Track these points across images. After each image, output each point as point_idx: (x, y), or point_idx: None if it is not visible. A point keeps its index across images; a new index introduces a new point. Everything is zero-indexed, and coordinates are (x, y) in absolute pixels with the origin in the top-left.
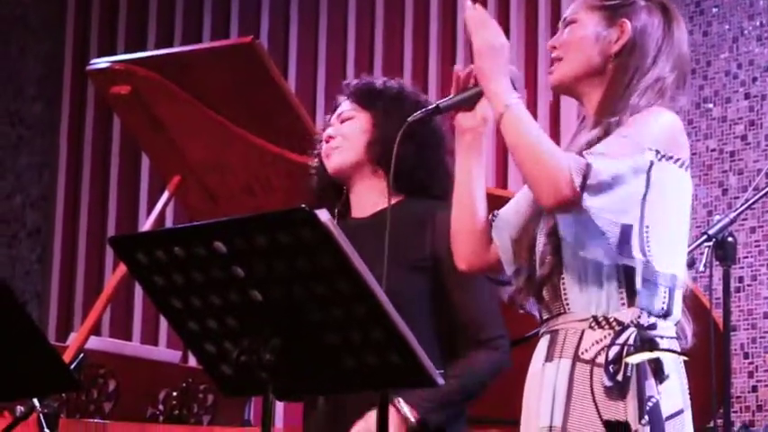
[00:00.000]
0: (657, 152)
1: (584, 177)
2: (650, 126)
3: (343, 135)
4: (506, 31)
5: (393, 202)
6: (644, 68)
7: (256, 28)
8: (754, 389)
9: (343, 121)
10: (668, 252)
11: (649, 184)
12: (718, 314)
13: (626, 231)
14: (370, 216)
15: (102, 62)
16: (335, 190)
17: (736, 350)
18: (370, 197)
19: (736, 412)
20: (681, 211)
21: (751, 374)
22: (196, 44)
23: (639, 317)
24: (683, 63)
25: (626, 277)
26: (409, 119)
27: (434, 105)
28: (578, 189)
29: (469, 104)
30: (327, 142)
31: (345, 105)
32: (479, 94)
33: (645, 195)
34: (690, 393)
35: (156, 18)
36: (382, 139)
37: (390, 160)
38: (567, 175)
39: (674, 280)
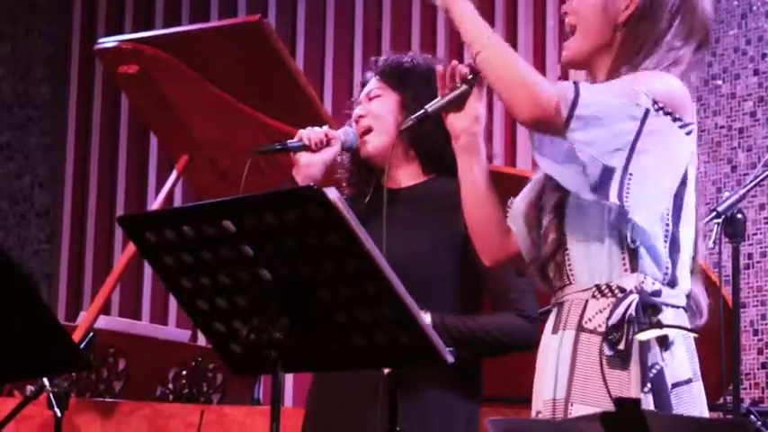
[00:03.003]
0: (655, 102)
1: (573, 105)
2: (653, 78)
3: (373, 114)
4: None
5: (423, 180)
6: (654, 38)
7: (264, 7)
8: (764, 366)
9: (371, 99)
10: (648, 208)
11: (641, 131)
12: (727, 291)
13: (607, 173)
14: (405, 188)
15: (109, 41)
16: (367, 169)
17: (745, 327)
18: (402, 174)
19: (745, 389)
20: (672, 172)
21: (761, 351)
22: (203, 23)
23: (643, 282)
24: (705, 30)
25: (629, 246)
26: (400, 127)
27: (423, 110)
28: (564, 117)
29: (458, 104)
30: (357, 122)
31: (373, 83)
32: (467, 93)
33: (634, 143)
34: (700, 371)
35: None
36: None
37: (420, 143)
38: (553, 99)
39: (651, 238)
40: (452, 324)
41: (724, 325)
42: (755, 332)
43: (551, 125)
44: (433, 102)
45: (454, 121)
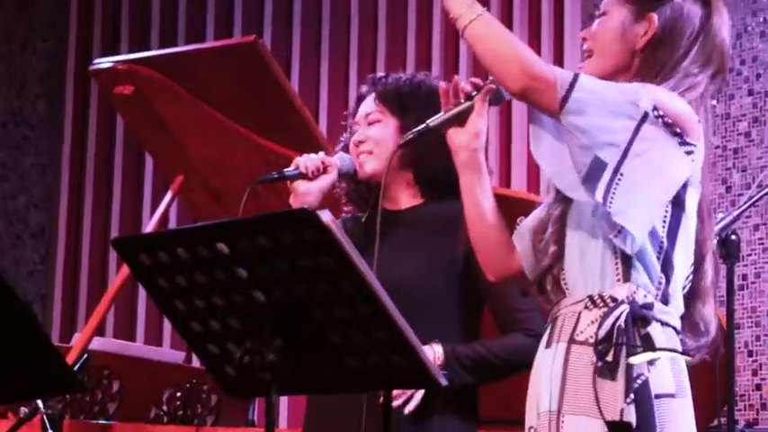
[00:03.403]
0: (656, 109)
1: (571, 87)
2: (660, 90)
3: (374, 140)
4: (537, 30)
5: (421, 202)
6: (671, 64)
7: (259, 28)
8: (758, 387)
9: (370, 124)
10: (636, 215)
11: (637, 133)
12: (721, 312)
13: (597, 166)
14: (404, 209)
15: (105, 62)
16: (368, 189)
17: (740, 348)
18: (402, 196)
19: (740, 410)
20: (663, 183)
21: (755, 372)
22: (199, 44)
23: (635, 293)
24: (722, 58)
25: (623, 256)
26: (400, 141)
27: (424, 125)
28: (560, 96)
29: (460, 120)
30: (357, 146)
31: (372, 105)
32: (469, 110)
33: (630, 143)
34: (694, 391)
35: (159, 17)
36: (413, 148)
37: (420, 165)
38: (549, 74)
39: (642, 250)
40: (463, 353)
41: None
42: (750, 353)
43: (544, 99)
44: (436, 117)
45: (455, 137)
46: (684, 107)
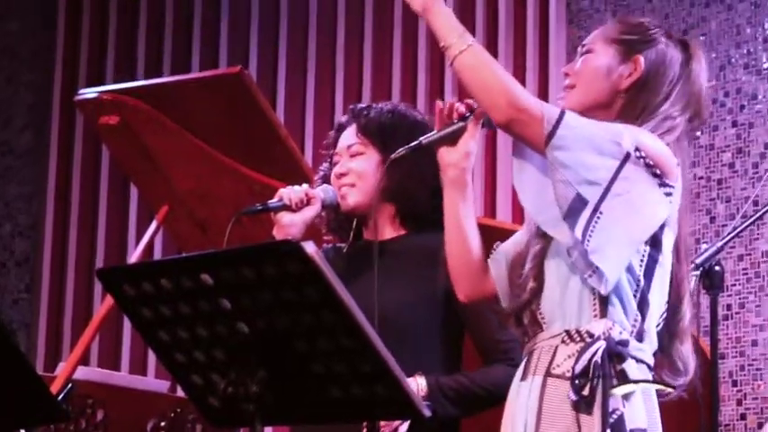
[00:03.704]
0: (638, 150)
1: (557, 123)
2: (642, 132)
3: (356, 173)
4: (522, 60)
5: (403, 233)
6: (652, 106)
7: (245, 58)
8: (743, 417)
9: (352, 156)
10: (613, 254)
11: (618, 173)
12: (705, 342)
13: (578, 203)
14: (386, 240)
15: (90, 92)
16: (348, 220)
17: (724, 378)
18: (384, 228)
19: None
20: (642, 223)
21: (740, 402)
22: (184, 74)
23: (611, 329)
24: (700, 102)
25: (600, 294)
26: (392, 156)
27: (417, 142)
28: (546, 132)
29: (452, 139)
30: (339, 179)
31: (354, 137)
32: (462, 130)
33: (611, 182)
34: (678, 422)
35: (144, 48)
36: (395, 180)
37: (401, 198)
38: (535, 107)
39: (618, 287)
40: (447, 384)
41: (702, 376)
42: (734, 383)
43: (529, 132)
44: (429, 135)
45: (446, 155)
46: (665, 150)
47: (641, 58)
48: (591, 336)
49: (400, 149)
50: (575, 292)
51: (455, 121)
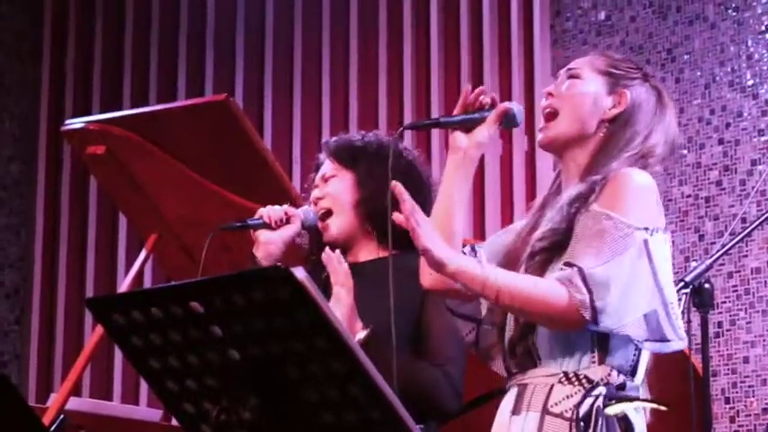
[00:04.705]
0: (647, 229)
1: (592, 304)
2: (633, 203)
3: (331, 195)
4: (507, 82)
5: (384, 255)
6: (635, 142)
7: (231, 85)
8: None
9: (326, 180)
10: (631, 320)
11: (651, 259)
12: (697, 360)
13: (651, 319)
14: (364, 262)
15: (77, 122)
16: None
17: (717, 395)
18: (361, 250)
19: None
20: (670, 273)
21: (732, 419)
22: (171, 102)
23: (609, 375)
24: (673, 148)
25: (599, 338)
26: (405, 125)
27: (435, 119)
28: (589, 318)
29: (468, 127)
30: (316, 204)
31: (327, 166)
32: (480, 121)
33: (655, 273)
34: None
35: (130, 77)
36: (368, 198)
37: (378, 217)
38: (570, 305)
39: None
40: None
41: (694, 394)
42: (727, 400)
43: (576, 325)
44: (450, 116)
45: (458, 138)
46: (651, 193)
47: (627, 93)
48: (590, 381)
49: (415, 121)
50: (573, 340)
51: (477, 110)
